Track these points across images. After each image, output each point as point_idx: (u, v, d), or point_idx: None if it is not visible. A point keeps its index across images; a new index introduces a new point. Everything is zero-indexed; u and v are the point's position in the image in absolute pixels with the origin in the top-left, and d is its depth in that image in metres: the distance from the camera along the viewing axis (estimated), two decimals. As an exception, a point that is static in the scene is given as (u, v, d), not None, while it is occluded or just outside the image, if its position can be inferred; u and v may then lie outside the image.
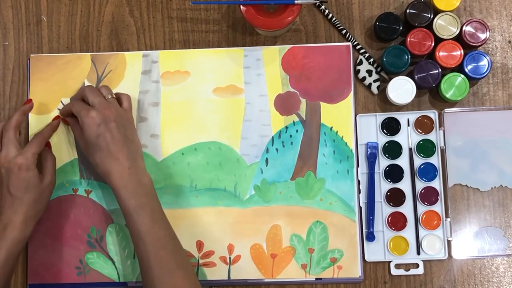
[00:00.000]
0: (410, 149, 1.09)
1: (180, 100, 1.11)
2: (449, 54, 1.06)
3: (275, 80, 1.10)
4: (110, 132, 1.01)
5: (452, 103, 1.10)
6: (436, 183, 1.08)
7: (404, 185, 1.09)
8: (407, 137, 1.09)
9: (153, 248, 0.97)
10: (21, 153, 1.02)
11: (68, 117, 1.08)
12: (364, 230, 1.08)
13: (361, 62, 1.10)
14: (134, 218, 0.98)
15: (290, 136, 1.10)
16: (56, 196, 1.10)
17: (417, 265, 1.08)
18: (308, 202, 1.08)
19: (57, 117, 1.10)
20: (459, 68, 1.07)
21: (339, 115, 1.09)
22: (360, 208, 1.08)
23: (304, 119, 1.10)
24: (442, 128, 1.08)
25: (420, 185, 1.08)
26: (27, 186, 1.01)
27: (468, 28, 1.06)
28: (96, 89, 1.06)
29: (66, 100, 1.11)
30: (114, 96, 1.06)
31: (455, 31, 1.06)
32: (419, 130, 1.09)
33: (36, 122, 1.11)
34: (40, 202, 1.04)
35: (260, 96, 1.10)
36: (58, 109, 1.11)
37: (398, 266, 1.08)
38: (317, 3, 1.10)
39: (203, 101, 1.11)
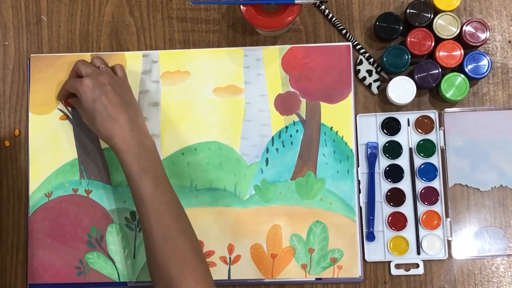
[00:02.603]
0: (410, 149, 1.09)
1: (180, 100, 1.11)
2: (449, 54, 1.06)
3: (275, 80, 1.10)
4: (105, 95, 1.01)
5: (452, 103, 1.10)
6: (436, 183, 1.08)
7: (404, 185, 1.09)
8: (407, 137, 1.09)
9: (155, 212, 0.97)
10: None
11: (68, 99, 1.09)
12: (364, 230, 1.08)
13: (361, 62, 1.10)
14: (137, 182, 0.98)
15: (290, 136, 1.10)
16: (56, 196, 1.10)
17: (417, 265, 1.08)
18: (308, 202, 1.08)
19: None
20: (459, 68, 1.07)
21: (339, 115, 1.09)
22: (360, 208, 1.08)
23: (304, 119, 1.09)
24: (442, 128, 1.08)
25: (420, 185, 1.08)
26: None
27: (468, 28, 1.06)
28: (88, 62, 1.07)
29: (66, 100, 1.12)
30: (108, 66, 1.07)
31: (455, 31, 1.06)
32: (419, 130, 1.09)
33: (36, 122, 1.11)
34: None
35: (260, 96, 1.10)
36: (58, 109, 1.11)
37: (398, 266, 1.08)
38: (317, 3, 1.10)
39: (203, 101, 1.11)
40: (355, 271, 1.07)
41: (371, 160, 1.09)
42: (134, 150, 0.99)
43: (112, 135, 1.00)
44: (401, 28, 1.08)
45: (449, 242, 1.07)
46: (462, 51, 1.06)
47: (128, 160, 0.99)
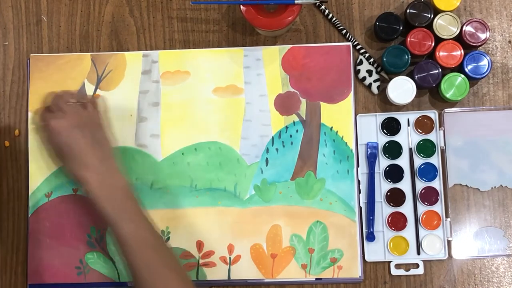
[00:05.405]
0: (410, 149, 1.09)
1: (180, 100, 1.11)
2: (449, 54, 1.06)
3: (275, 80, 1.10)
4: (74, 139, 0.99)
5: (452, 103, 1.10)
6: (436, 183, 1.08)
7: (404, 185, 1.09)
8: (407, 137, 1.09)
9: (139, 249, 0.96)
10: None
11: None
12: (364, 230, 1.08)
13: (361, 62, 1.10)
14: (114, 223, 0.97)
15: (290, 136, 1.10)
16: (56, 196, 1.10)
17: (417, 265, 1.08)
18: (308, 202, 1.08)
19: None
20: (459, 68, 1.07)
21: (339, 115, 1.09)
22: (360, 208, 1.08)
23: (304, 119, 1.10)
24: (442, 128, 1.08)
25: (420, 185, 1.08)
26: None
27: (468, 28, 1.06)
28: (60, 95, 1.04)
29: (66, 100, 1.11)
30: (81, 101, 1.04)
31: (455, 31, 1.06)
32: (419, 130, 1.09)
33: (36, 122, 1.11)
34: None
35: (260, 96, 1.10)
36: (58, 109, 1.11)
37: (398, 266, 1.08)
38: (317, 3, 1.10)
39: (203, 101, 1.11)
40: (355, 271, 1.07)
41: (371, 160, 1.09)
42: (105, 193, 0.98)
43: (83, 180, 0.99)
44: (401, 28, 1.08)
45: (449, 242, 1.07)
46: (462, 51, 1.06)
47: (102, 204, 0.98)
